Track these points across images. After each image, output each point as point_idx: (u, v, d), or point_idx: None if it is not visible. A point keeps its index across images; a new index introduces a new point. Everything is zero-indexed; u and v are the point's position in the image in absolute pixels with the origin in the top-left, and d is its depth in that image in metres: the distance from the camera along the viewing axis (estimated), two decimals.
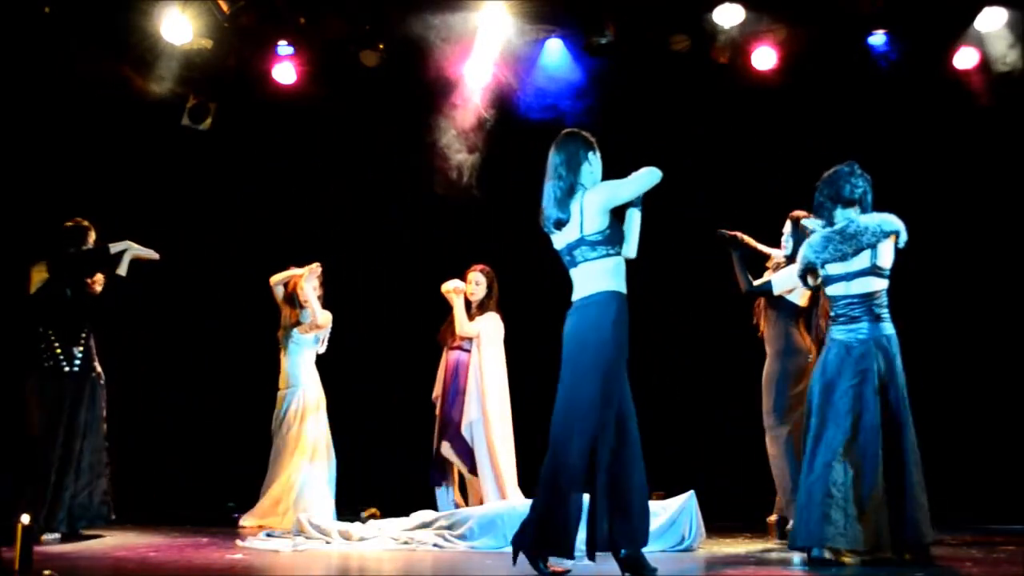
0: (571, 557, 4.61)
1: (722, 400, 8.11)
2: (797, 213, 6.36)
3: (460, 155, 8.12)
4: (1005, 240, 7.84)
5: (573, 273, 4.74)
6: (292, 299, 7.40)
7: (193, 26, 7.75)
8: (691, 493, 5.95)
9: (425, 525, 6.12)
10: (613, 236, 4.69)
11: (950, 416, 7.51)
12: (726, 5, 7.62)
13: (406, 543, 5.90)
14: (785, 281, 6.19)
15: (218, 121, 8.42)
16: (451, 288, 7.08)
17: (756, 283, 6.32)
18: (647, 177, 4.71)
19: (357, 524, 6.33)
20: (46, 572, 4.29)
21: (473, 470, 6.85)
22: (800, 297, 6.30)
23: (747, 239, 6.41)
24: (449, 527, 6.01)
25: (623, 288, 4.72)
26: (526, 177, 8.47)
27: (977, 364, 7.57)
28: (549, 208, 4.76)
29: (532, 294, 8.45)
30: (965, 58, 7.76)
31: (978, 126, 7.83)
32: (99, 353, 6.47)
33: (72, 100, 8.01)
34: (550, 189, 4.78)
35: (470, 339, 7.06)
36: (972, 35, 7.69)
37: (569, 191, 4.72)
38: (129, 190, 8.10)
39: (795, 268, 6.07)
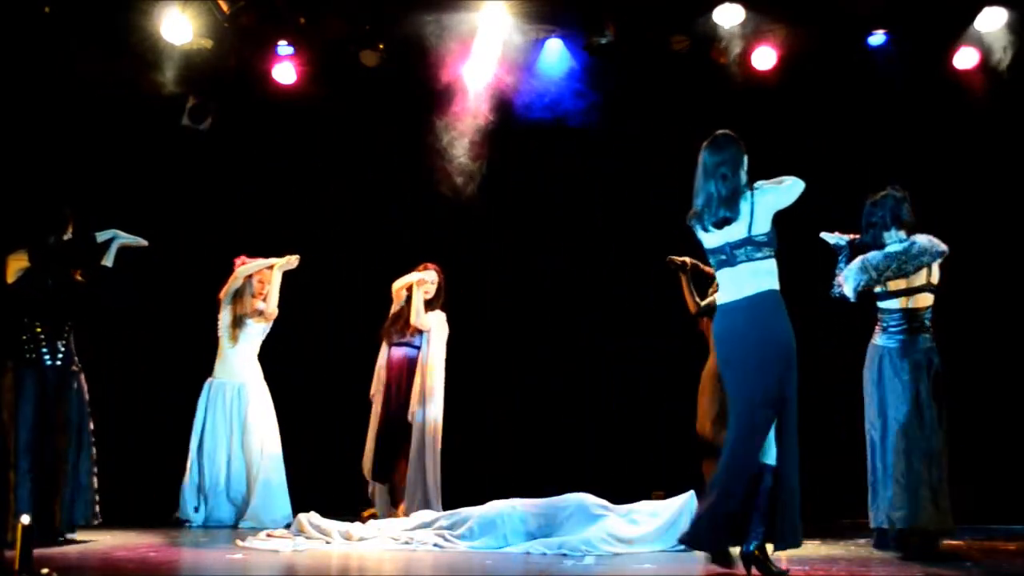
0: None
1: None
2: None
3: (461, 156, 8.13)
4: (1005, 241, 7.84)
5: (728, 272, 4.80)
6: (243, 291, 7.39)
7: (193, 26, 7.74)
8: (691, 493, 5.95)
9: (425, 525, 6.11)
10: (773, 238, 4.81)
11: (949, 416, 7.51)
12: (726, 5, 7.62)
13: (406, 543, 5.90)
14: None
15: (218, 121, 8.41)
16: (415, 280, 7.18)
17: (704, 303, 6.79)
18: (799, 187, 4.86)
19: (357, 524, 6.33)
20: (44, 571, 4.28)
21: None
22: None
23: (694, 262, 6.83)
24: (449, 527, 6.01)
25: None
26: (526, 177, 8.54)
27: (973, 364, 7.56)
28: (712, 206, 4.81)
29: (532, 293, 8.46)
30: (965, 58, 7.75)
31: (978, 126, 7.83)
32: (99, 352, 6.40)
33: (72, 100, 8.01)
34: (712, 188, 4.83)
35: (419, 335, 7.18)
36: (972, 35, 7.68)
37: (735, 191, 4.80)
38: (129, 190, 8.09)
39: None
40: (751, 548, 4.57)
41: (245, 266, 7.41)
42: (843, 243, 5.88)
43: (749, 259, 4.74)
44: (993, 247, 7.76)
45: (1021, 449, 7.60)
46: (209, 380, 7.41)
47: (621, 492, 6.43)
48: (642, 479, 7.56)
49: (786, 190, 4.81)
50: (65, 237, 6.15)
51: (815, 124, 8.02)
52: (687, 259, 6.88)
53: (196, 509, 7.24)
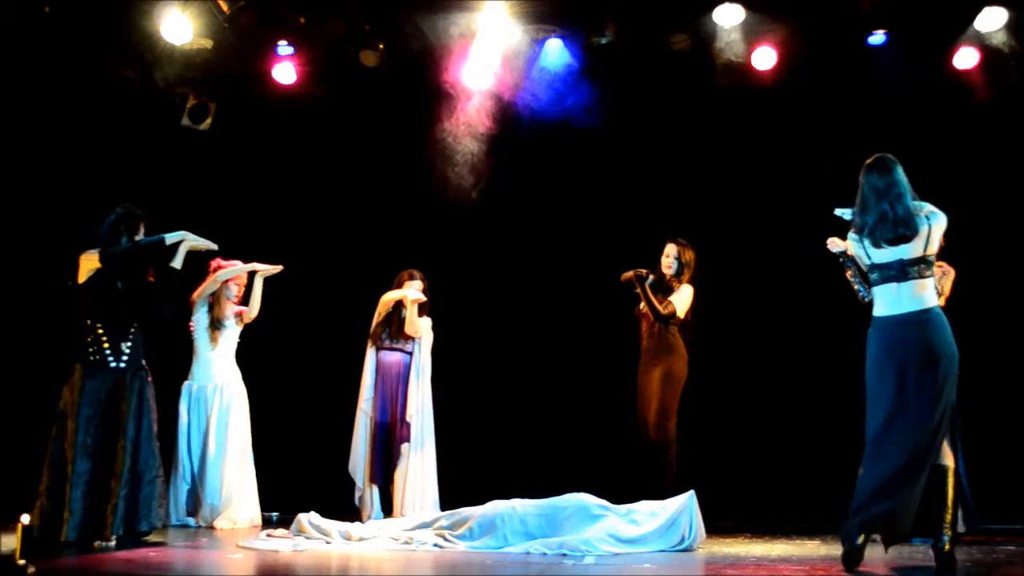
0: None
1: (721, 400, 8.11)
2: (680, 240, 7.23)
3: (460, 156, 8.13)
4: (1005, 241, 7.84)
5: (894, 286, 5.09)
6: (219, 294, 7.39)
7: (193, 26, 7.75)
8: (691, 493, 5.96)
9: (425, 525, 6.12)
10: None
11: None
12: (726, 5, 7.62)
13: (406, 543, 5.90)
14: (686, 301, 7.13)
15: (218, 121, 8.41)
16: (410, 299, 7.27)
17: (665, 311, 7.06)
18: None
19: (357, 524, 6.33)
20: (31, 571, 4.30)
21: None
22: (683, 311, 7.14)
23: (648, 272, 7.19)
24: (449, 527, 6.02)
25: None
26: (525, 177, 8.53)
27: (972, 365, 7.55)
28: (888, 224, 5.08)
29: (532, 293, 8.46)
30: (965, 58, 7.76)
31: (978, 126, 7.82)
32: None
33: (71, 100, 8.01)
34: (886, 207, 5.09)
35: (411, 341, 7.32)
36: (972, 35, 7.68)
37: (909, 211, 5.09)
38: (128, 191, 8.04)
39: (688, 291, 7.10)
40: (943, 544, 4.88)
41: (225, 270, 7.39)
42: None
43: (920, 277, 5.07)
44: (993, 247, 7.76)
45: (1018, 449, 7.60)
46: (187, 383, 7.38)
47: (621, 492, 6.45)
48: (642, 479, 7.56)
49: (944, 219, 5.19)
50: (137, 238, 6.12)
51: (814, 124, 8.02)
52: (641, 270, 7.13)
53: (190, 513, 7.23)
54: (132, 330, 6.07)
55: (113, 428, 5.91)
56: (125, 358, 6.02)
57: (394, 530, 6.14)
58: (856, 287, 6.33)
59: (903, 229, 5.03)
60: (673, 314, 7.08)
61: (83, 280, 6.03)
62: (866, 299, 6.36)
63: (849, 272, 6.35)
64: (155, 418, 6.11)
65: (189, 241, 6.21)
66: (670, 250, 7.22)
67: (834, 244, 6.39)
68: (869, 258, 5.16)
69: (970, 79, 7.81)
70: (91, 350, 5.98)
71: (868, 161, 5.21)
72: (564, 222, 8.47)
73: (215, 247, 6.42)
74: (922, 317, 5.02)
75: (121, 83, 8.03)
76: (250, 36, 8.02)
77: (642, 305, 7.20)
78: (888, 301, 5.10)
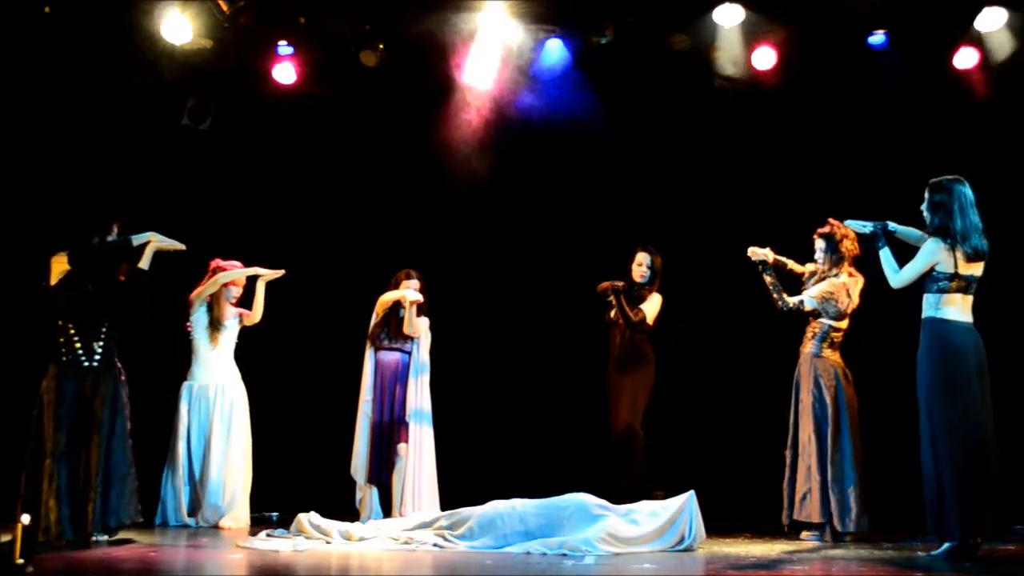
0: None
1: (721, 400, 8.10)
2: (651, 248, 7.34)
3: (460, 156, 8.14)
4: (1005, 241, 7.82)
5: (960, 297, 5.54)
6: (219, 295, 7.40)
7: (193, 26, 7.75)
8: (691, 493, 5.96)
9: (425, 525, 6.12)
10: None
11: None
12: (726, 5, 7.62)
13: (406, 543, 5.91)
14: (655, 309, 7.26)
15: (218, 121, 8.41)
16: (409, 300, 7.27)
17: (636, 318, 7.18)
18: None
19: (357, 524, 6.34)
20: (29, 570, 4.30)
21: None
22: (652, 318, 7.26)
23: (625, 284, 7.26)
24: (449, 527, 6.02)
25: None
26: (525, 177, 8.53)
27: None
28: (978, 238, 5.54)
29: (533, 293, 8.46)
30: (965, 58, 7.75)
31: (978, 126, 7.82)
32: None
33: (70, 100, 8.01)
34: (978, 221, 5.56)
35: (411, 340, 7.35)
36: (972, 35, 7.68)
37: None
38: (128, 191, 8.07)
39: (658, 299, 7.23)
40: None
41: (225, 273, 7.40)
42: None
43: (972, 294, 5.54)
44: (993, 247, 7.74)
45: (1017, 449, 7.59)
46: (188, 383, 7.38)
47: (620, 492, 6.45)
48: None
49: None
50: (109, 238, 6.13)
51: (814, 124, 8.02)
52: (617, 283, 7.20)
53: (191, 513, 7.22)
54: (104, 330, 6.10)
55: (87, 427, 5.95)
56: (98, 357, 6.05)
57: (394, 530, 6.14)
58: (775, 296, 6.45)
59: (986, 245, 5.47)
60: (644, 321, 7.20)
61: (55, 281, 6.06)
62: (785, 308, 6.45)
63: (768, 279, 6.50)
64: (128, 416, 6.13)
65: (156, 242, 6.23)
66: (643, 258, 7.33)
67: (754, 254, 6.61)
68: (955, 267, 5.44)
69: (970, 79, 7.81)
70: (63, 350, 6.03)
71: (952, 176, 5.53)
72: (563, 222, 8.46)
73: (183, 247, 6.41)
74: (973, 327, 5.52)
75: (121, 83, 8.02)
76: (250, 36, 8.02)
77: (613, 313, 7.31)
78: (955, 309, 5.49)
